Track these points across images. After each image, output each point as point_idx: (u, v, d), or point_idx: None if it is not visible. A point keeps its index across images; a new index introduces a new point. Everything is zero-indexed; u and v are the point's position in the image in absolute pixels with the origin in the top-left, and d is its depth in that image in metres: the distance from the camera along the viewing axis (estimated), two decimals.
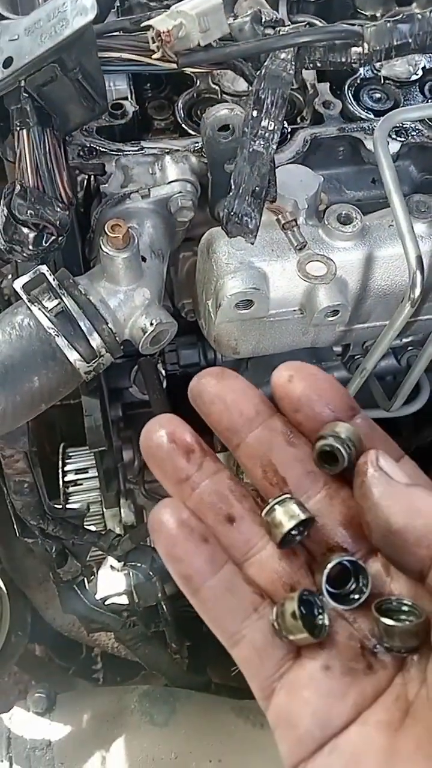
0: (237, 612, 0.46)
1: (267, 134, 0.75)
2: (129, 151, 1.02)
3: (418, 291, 0.84)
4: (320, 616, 0.46)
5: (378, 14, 1.34)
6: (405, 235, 0.83)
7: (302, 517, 0.47)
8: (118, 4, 1.24)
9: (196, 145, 1.03)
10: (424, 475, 0.50)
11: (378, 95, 1.19)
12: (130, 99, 1.10)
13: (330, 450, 0.48)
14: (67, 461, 1.33)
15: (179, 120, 1.14)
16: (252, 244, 0.82)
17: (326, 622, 0.46)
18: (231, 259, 0.89)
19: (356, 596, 0.47)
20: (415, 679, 0.45)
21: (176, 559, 0.46)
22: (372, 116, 1.15)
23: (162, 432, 0.49)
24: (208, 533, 0.47)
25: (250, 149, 0.76)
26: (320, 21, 1.31)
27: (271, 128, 0.75)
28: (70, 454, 1.33)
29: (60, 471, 1.31)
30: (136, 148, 1.02)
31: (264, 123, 0.75)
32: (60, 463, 1.31)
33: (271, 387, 0.50)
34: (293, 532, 0.48)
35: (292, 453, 0.50)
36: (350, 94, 1.17)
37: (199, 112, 1.16)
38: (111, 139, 1.05)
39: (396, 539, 0.44)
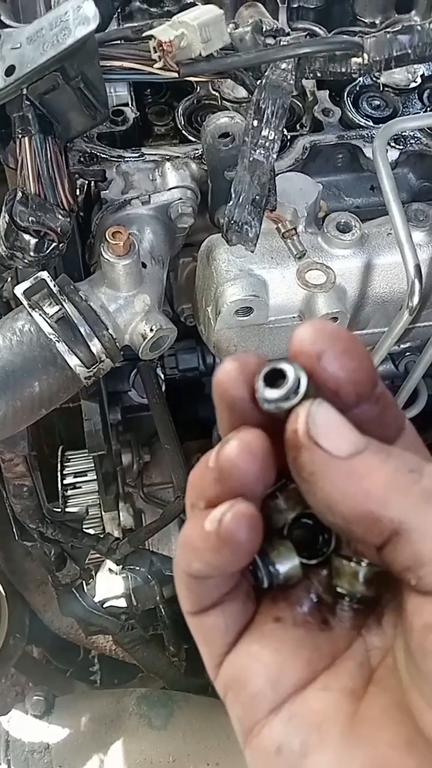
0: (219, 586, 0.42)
1: (267, 144, 0.76)
2: (129, 157, 1.02)
3: (416, 299, 0.85)
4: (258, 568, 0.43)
5: (377, 21, 1.34)
6: (404, 244, 0.84)
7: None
8: (119, 11, 1.25)
9: (197, 152, 1.04)
10: (421, 441, 0.44)
11: (377, 102, 1.20)
12: (130, 105, 1.11)
13: (279, 369, 0.39)
14: (65, 464, 1.33)
15: (179, 126, 1.15)
16: (252, 252, 0.83)
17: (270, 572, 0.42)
18: (231, 267, 0.90)
19: (325, 549, 0.44)
20: (379, 648, 0.42)
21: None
22: (371, 123, 1.15)
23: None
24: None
25: (251, 158, 0.76)
26: (320, 28, 1.31)
27: (271, 138, 0.76)
28: (69, 457, 1.33)
29: (59, 474, 1.31)
30: (137, 155, 1.03)
31: (264, 132, 0.76)
32: (59, 466, 1.32)
33: (293, 349, 0.40)
34: (267, 499, 0.43)
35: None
36: (349, 102, 1.17)
37: (199, 118, 1.17)
38: (111, 145, 1.06)
39: (343, 528, 0.38)
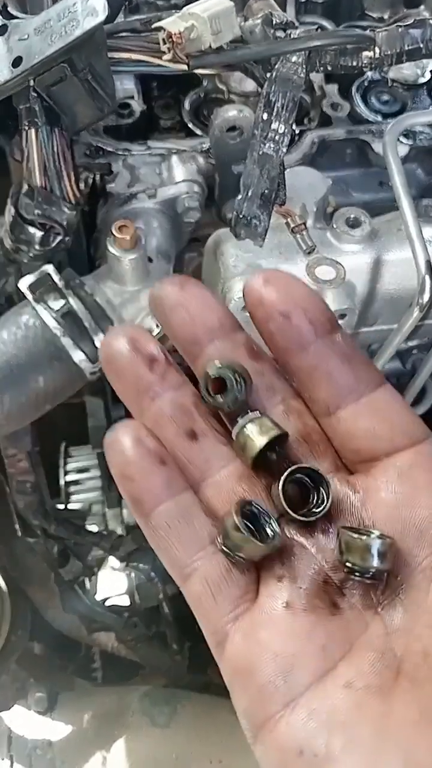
0: (190, 542, 0.41)
1: (277, 137, 0.75)
2: (136, 150, 1.01)
3: (427, 296, 0.84)
4: (268, 523, 0.41)
5: (386, 16, 1.33)
6: (414, 240, 0.83)
7: (275, 432, 0.43)
8: (126, 2, 1.23)
9: (204, 145, 1.03)
10: (405, 403, 0.45)
11: (386, 97, 1.19)
12: (137, 98, 1.10)
13: (219, 376, 0.44)
14: (68, 460, 1.32)
15: (186, 120, 1.14)
16: (260, 246, 0.82)
17: (276, 529, 0.41)
18: (238, 262, 0.89)
19: (317, 510, 0.43)
20: (402, 630, 0.39)
21: (127, 478, 0.42)
22: (380, 118, 1.14)
23: (123, 340, 0.44)
24: (168, 457, 0.43)
25: (260, 152, 0.75)
26: (329, 22, 1.30)
27: (281, 131, 0.75)
28: (72, 453, 1.33)
29: (61, 470, 1.30)
30: (143, 148, 1.02)
31: (274, 126, 0.75)
32: (61, 462, 1.31)
33: (244, 293, 0.45)
34: (267, 452, 0.44)
35: (253, 366, 0.45)
36: (358, 96, 1.16)
37: (205, 111, 1.16)
38: (117, 139, 1.05)
39: None
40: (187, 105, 1.13)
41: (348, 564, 0.40)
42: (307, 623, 0.40)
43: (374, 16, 1.33)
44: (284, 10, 1.28)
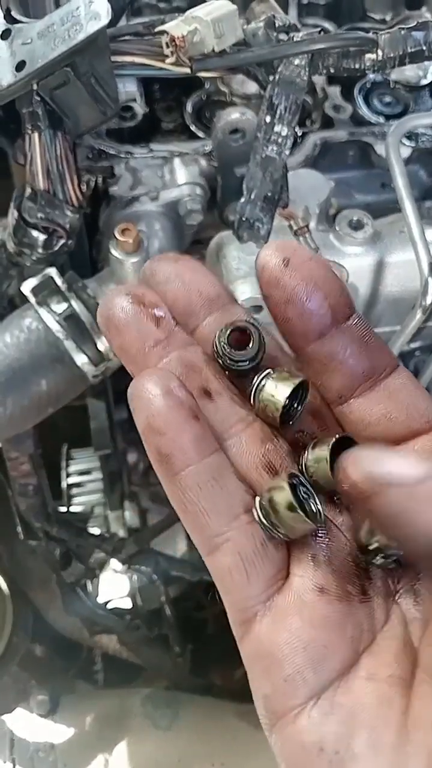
0: (223, 508, 0.38)
1: (280, 140, 0.75)
2: (138, 153, 1.01)
3: (429, 298, 0.84)
4: (310, 499, 0.39)
5: (387, 18, 1.34)
6: (417, 242, 0.83)
7: (298, 379, 0.41)
8: (129, 6, 1.23)
9: (206, 148, 1.03)
10: (420, 386, 0.43)
11: (388, 99, 1.19)
12: (139, 101, 1.10)
13: (244, 328, 0.41)
14: (70, 462, 1.32)
15: (188, 122, 1.14)
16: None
17: (319, 506, 0.39)
18: (241, 264, 0.89)
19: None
20: (419, 620, 0.38)
21: (156, 432, 0.37)
22: (382, 120, 1.14)
23: (125, 296, 0.41)
24: (200, 412, 0.38)
25: (263, 155, 0.75)
26: (331, 24, 1.30)
27: (284, 134, 0.75)
28: (74, 455, 1.33)
29: (63, 473, 1.30)
30: (145, 151, 1.02)
31: (277, 128, 0.75)
32: (63, 464, 1.31)
33: (258, 270, 0.41)
34: (294, 403, 0.41)
35: None
36: (360, 98, 1.16)
37: (207, 114, 1.16)
38: (120, 141, 1.05)
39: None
40: (189, 107, 1.13)
41: (374, 544, 0.39)
42: (339, 611, 0.38)
43: (376, 17, 1.33)
44: (286, 12, 1.28)
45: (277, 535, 0.38)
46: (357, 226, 0.90)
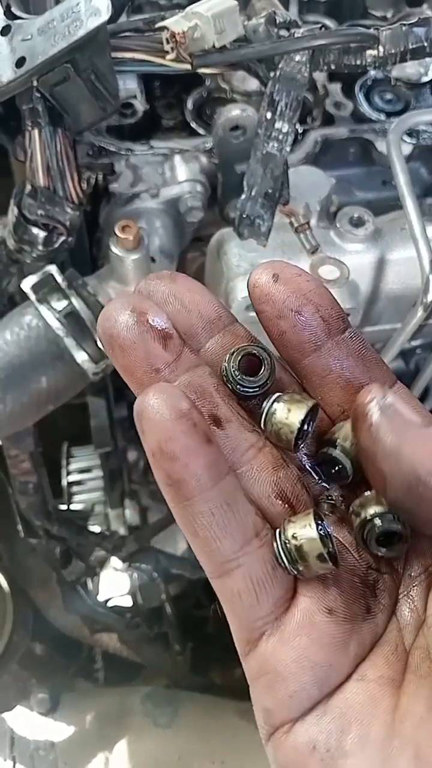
0: (234, 533, 0.37)
1: (281, 136, 0.75)
2: (139, 150, 1.01)
3: (431, 295, 0.83)
4: (330, 542, 0.39)
5: (388, 15, 1.33)
6: (418, 239, 0.83)
7: (310, 402, 0.41)
8: (129, 3, 1.23)
9: (206, 145, 1.02)
10: (420, 403, 0.43)
11: (389, 96, 1.19)
12: (140, 98, 1.09)
13: (255, 354, 0.41)
14: (70, 460, 1.32)
15: (188, 119, 1.13)
16: (264, 246, 0.82)
17: (335, 548, 0.39)
18: (242, 261, 0.88)
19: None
20: (412, 625, 0.39)
21: (169, 457, 0.36)
22: (383, 117, 1.14)
23: (127, 313, 0.39)
24: (213, 435, 0.37)
25: (264, 151, 0.75)
26: (331, 21, 1.30)
27: (285, 130, 0.74)
28: (74, 453, 1.32)
29: (63, 471, 1.30)
30: (146, 148, 1.01)
31: (278, 125, 0.75)
32: (63, 462, 1.31)
33: (249, 288, 0.41)
34: (305, 427, 0.41)
35: None
36: (361, 95, 1.16)
37: (208, 111, 1.15)
38: (120, 138, 1.04)
39: (423, 489, 0.35)
40: (189, 104, 1.13)
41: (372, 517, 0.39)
42: (344, 631, 0.38)
43: (377, 14, 1.33)
44: (287, 8, 1.27)
45: (292, 573, 0.39)
46: (358, 223, 0.90)
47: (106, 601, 1.22)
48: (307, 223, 0.83)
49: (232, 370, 0.41)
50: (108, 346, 0.41)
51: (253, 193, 0.76)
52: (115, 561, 1.20)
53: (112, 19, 0.77)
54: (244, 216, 0.76)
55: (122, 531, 1.24)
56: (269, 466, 0.41)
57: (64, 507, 1.25)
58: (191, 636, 1.25)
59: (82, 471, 1.30)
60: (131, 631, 1.22)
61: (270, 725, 0.38)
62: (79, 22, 0.72)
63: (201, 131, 1.11)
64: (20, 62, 0.74)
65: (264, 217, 0.77)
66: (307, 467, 0.43)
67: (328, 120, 1.13)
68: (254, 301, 0.42)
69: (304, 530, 0.38)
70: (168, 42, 0.72)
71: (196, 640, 1.27)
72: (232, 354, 0.42)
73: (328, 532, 0.39)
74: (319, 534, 0.38)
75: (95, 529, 1.25)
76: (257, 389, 0.42)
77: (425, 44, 0.81)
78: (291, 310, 0.41)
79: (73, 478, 1.31)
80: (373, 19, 1.33)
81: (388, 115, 1.16)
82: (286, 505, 0.40)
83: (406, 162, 1.12)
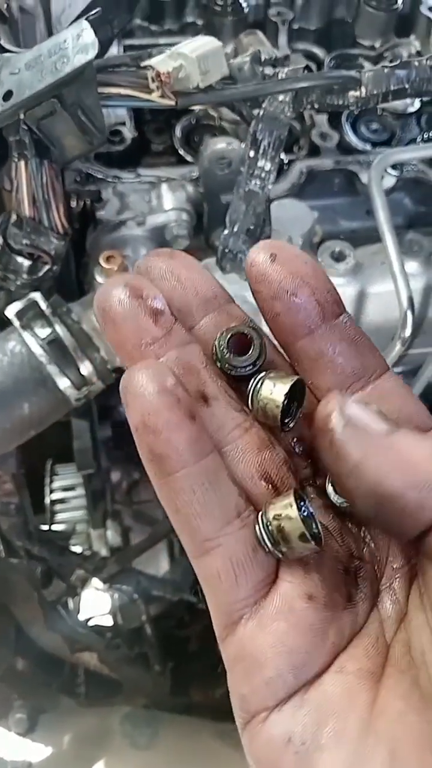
0: (216, 512, 0.37)
1: (263, 174, 0.76)
2: (126, 178, 1.02)
3: (408, 331, 0.85)
4: (314, 522, 0.38)
5: (377, 45, 1.35)
6: (397, 276, 0.84)
7: (293, 378, 0.40)
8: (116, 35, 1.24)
9: (193, 174, 1.04)
10: (409, 390, 0.43)
11: (375, 126, 1.21)
12: (129, 125, 1.11)
13: (245, 333, 0.41)
14: (54, 478, 1.33)
15: (177, 146, 1.15)
16: (245, 280, 0.83)
17: (320, 530, 0.38)
18: None
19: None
20: (393, 619, 0.39)
21: (151, 431, 0.36)
22: (369, 147, 1.16)
23: (122, 288, 0.39)
24: (197, 411, 0.37)
25: (247, 189, 0.76)
26: (320, 49, 1.32)
27: (267, 169, 0.76)
28: (58, 471, 1.33)
29: (47, 488, 1.31)
30: (133, 176, 1.03)
31: (260, 163, 0.76)
32: (47, 480, 1.31)
33: (246, 268, 0.41)
34: (293, 402, 0.41)
35: None
36: (348, 125, 1.18)
37: (196, 138, 1.17)
38: (108, 165, 1.06)
39: (391, 505, 0.35)
40: (178, 132, 1.15)
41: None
42: (324, 618, 0.38)
43: (365, 44, 1.35)
44: (276, 37, 1.30)
45: (276, 555, 0.38)
46: (339, 257, 0.91)
47: (87, 620, 1.22)
48: None
49: (221, 348, 0.41)
50: (101, 319, 0.41)
51: (235, 229, 0.78)
52: (96, 580, 1.20)
53: (100, 53, 0.78)
54: (227, 251, 0.78)
55: (104, 552, 1.25)
56: (255, 446, 0.40)
57: (45, 527, 1.26)
58: (172, 656, 1.25)
59: (65, 489, 1.31)
60: (111, 651, 1.22)
61: (246, 712, 0.38)
62: (66, 58, 0.73)
63: (189, 158, 1.13)
64: (7, 95, 0.75)
65: (246, 252, 0.78)
66: (296, 450, 0.42)
67: (315, 149, 1.15)
68: (251, 280, 0.41)
69: (285, 510, 0.38)
70: (153, 80, 0.74)
71: (177, 658, 1.27)
72: (222, 333, 0.41)
73: (310, 512, 0.38)
74: (301, 515, 0.37)
75: (77, 549, 1.26)
76: (247, 368, 0.41)
77: (406, 86, 0.82)
78: (286, 291, 0.40)
79: (56, 495, 1.32)
80: (361, 48, 1.35)
81: (374, 144, 1.17)
82: (270, 487, 0.40)
83: (391, 192, 1.14)
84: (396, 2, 1.31)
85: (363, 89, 0.80)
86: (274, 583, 0.38)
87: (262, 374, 0.41)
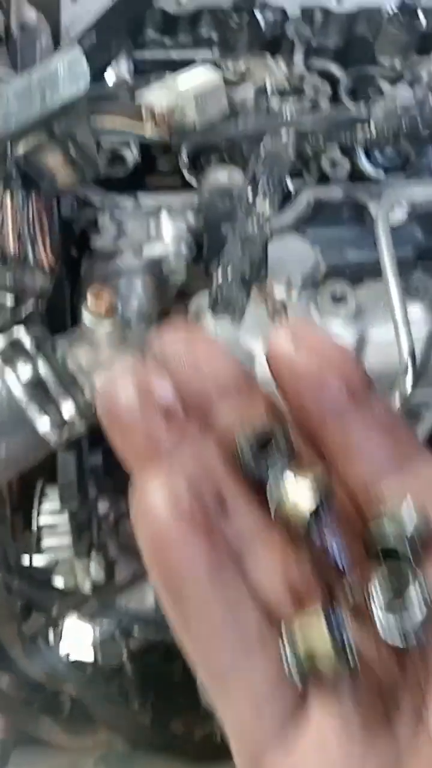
0: (236, 642, 0.33)
1: (261, 219, 0.72)
2: (124, 205, 0.98)
3: (409, 384, 0.81)
4: (347, 642, 0.33)
5: (396, 63, 1.30)
6: (399, 325, 0.80)
7: (318, 477, 0.36)
8: (133, 39, 1.20)
9: (195, 201, 0.99)
10: None
11: (389, 151, 1.15)
12: (132, 146, 1.06)
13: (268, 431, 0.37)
14: (43, 499, 1.30)
15: (182, 168, 1.10)
16: (238, 323, 0.79)
17: (354, 650, 0.33)
18: (218, 332, 0.85)
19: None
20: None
21: (164, 556, 0.32)
22: (382, 174, 1.12)
23: (130, 388, 0.36)
24: (216, 530, 0.34)
25: (243, 235, 0.72)
26: (338, 67, 1.27)
27: (265, 214, 0.71)
28: (48, 492, 1.30)
29: (35, 510, 1.28)
30: (132, 202, 0.98)
31: (259, 207, 0.72)
32: (36, 502, 1.28)
33: (268, 355, 0.38)
34: (319, 510, 0.36)
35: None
36: (360, 150, 1.13)
37: (203, 160, 1.12)
38: (108, 187, 1.01)
39: None
40: (184, 155, 1.10)
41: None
42: (361, 750, 0.33)
43: (385, 64, 1.30)
44: (292, 54, 1.24)
45: (301, 681, 0.33)
46: (340, 299, 0.87)
47: (67, 654, 1.19)
48: (284, 306, 0.80)
49: (241, 449, 0.37)
50: (105, 422, 0.36)
51: (228, 275, 0.73)
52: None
53: (95, 78, 0.74)
54: (219, 297, 0.74)
55: (87, 585, 1.22)
56: (278, 556, 0.36)
57: (27, 561, 1.23)
58: (154, 691, 1.22)
59: (54, 513, 1.28)
60: (90, 687, 1.19)
61: None
62: (55, 89, 0.69)
63: (194, 182, 1.08)
64: None
65: (239, 299, 0.74)
66: (329, 551, 0.37)
67: (323, 176, 1.10)
68: (272, 368, 0.37)
69: (313, 631, 0.33)
70: (148, 118, 0.69)
71: (159, 692, 1.24)
72: (245, 434, 0.37)
73: (342, 630, 0.33)
74: (333, 637, 0.32)
75: (59, 582, 1.22)
76: (276, 466, 0.37)
77: (419, 123, 0.78)
78: (314, 383, 0.36)
79: (44, 520, 1.28)
80: (381, 67, 1.30)
81: (387, 170, 1.13)
82: (296, 599, 0.35)
83: (402, 224, 1.09)
84: (419, 19, 1.26)
85: (372, 129, 0.75)
86: (303, 711, 0.33)
87: (289, 474, 0.36)
